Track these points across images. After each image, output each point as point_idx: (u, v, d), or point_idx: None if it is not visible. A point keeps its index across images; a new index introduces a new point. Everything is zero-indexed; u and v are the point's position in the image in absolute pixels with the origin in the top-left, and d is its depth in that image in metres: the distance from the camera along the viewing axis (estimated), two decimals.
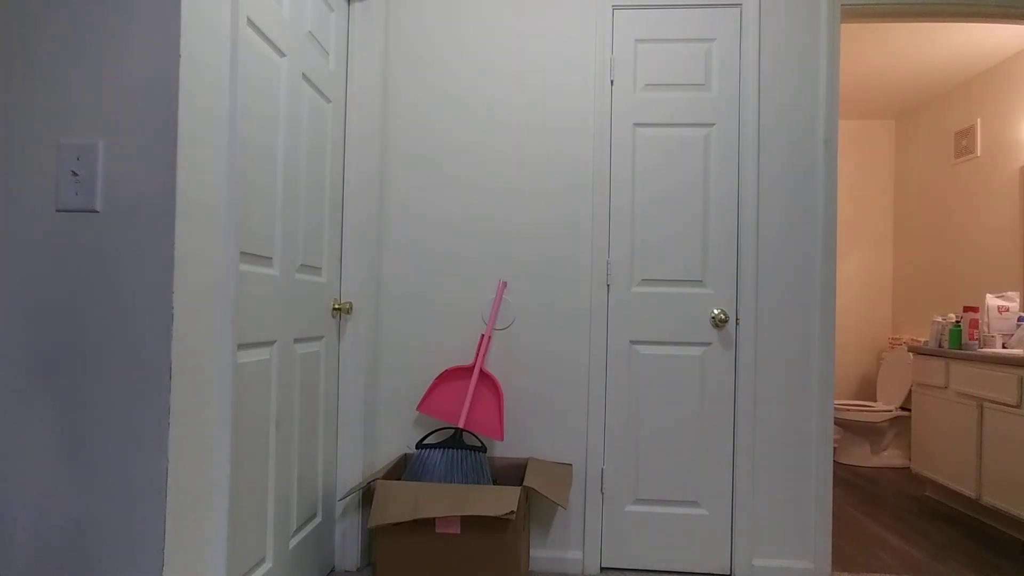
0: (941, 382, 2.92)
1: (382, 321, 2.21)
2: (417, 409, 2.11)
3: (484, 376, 2.11)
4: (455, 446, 1.98)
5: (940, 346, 3.00)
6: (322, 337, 1.94)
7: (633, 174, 2.18)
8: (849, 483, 3.43)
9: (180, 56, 1.08)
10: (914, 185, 4.05)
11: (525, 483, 1.80)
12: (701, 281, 2.15)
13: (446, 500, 1.73)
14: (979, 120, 3.46)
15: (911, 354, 3.67)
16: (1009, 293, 2.85)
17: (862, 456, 3.84)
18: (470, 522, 1.76)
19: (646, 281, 2.17)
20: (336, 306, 2.04)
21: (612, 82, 2.18)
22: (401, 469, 2.10)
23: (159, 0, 1.08)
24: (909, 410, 3.79)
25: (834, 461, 3.85)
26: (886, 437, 3.82)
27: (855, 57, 3.36)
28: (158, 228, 1.07)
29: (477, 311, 2.20)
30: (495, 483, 2.13)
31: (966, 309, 2.87)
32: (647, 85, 2.18)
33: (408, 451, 2.20)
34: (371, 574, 2.07)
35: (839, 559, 2.31)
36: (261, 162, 1.51)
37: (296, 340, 1.74)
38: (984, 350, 2.75)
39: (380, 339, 2.21)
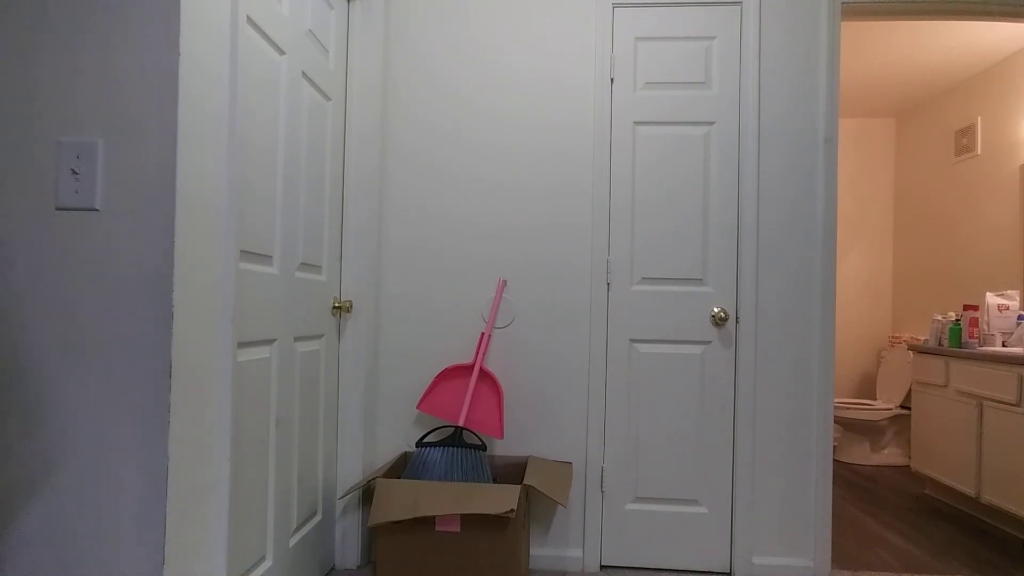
0: (941, 380, 2.92)
1: (382, 319, 2.21)
2: (417, 407, 2.11)
3: (484, 374, 2.11)
4: (455, 444, 1.98)
5: (940, 344, 3.00)
6: (322, 336, 1.94)
7: (633, 172, 2.18)
8: (849, 481, 3.43)
9: (180, 54, 1.08)
10: (914, 183, 4.05)
11: (525, 481, 1.80)
12: (701, 279, 2.15)
13: (446, 498, 1.73)
14: (979, 118, 3.46)
15: (911, 352, 3.67)
16: (1009, 292, 2.85)
17: (862, 454, 3.84)
18: (470, 520, 1.76)
19: (646, 279, 2.17)
20: (336, 305, 2.04)
21: (612, 80, 2.18)
22: (401, 467, 2.10)
23: None
24: (909, 408, 3.80)
25: (834, 459, 3.85)
26: (886, 435, 3.82)
27: (855, 55, 3.35)
28: (158, 226, 1.07)
29: (477, 310, 2.20)
30: (495, 481, 2.13)
31: (966, 307, 2.87)
32: (647, 83, 2.17)
33: (408, 449, 2.20)
34: (371, 572, 2.07)
35: (839, 557, 2.31)
36: (261, 161, 1.51)
37: (296, 339, 1.74)
38: (984, 348, 2.75)
39: (380, 337, 2.21)
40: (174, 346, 1.07)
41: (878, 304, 4.27)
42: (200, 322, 1.15)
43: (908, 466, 3.78)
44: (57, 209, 1.07)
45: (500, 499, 1.72)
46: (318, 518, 1.94)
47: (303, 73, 1.75)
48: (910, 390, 3.58)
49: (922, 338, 3.83)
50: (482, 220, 2.20)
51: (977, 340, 2.81)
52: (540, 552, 2.15)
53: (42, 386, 1.07)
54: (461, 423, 2.00)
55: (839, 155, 4.28)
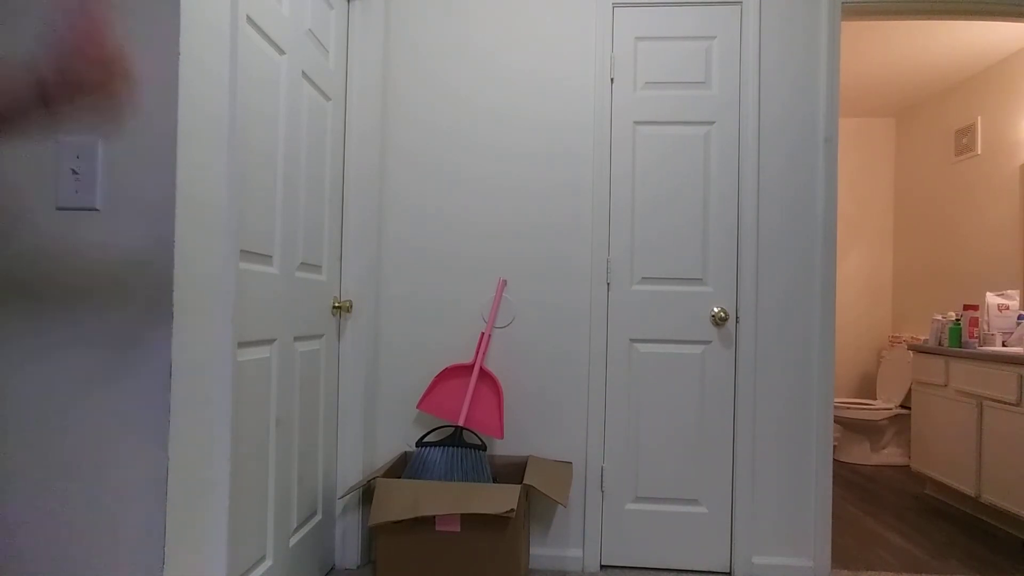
0: (941, 380, 2.93)
1: (382, 319, 2.21)
2: (417, 407, 2.11)
3: (484, 374, 2.11)
4: (455, 444, 1.99)
5: (940, 344, 3.00)
6: (322, 335, 1.94)
7: (633, 172, 2.18)
8: (849, 481, 3.43)
9: (179, 54, 1.08)
10: (914, 183, 4.05)
11: (525, 481, 1.80)
12: (701, 279, 2.15)
13: (446, 498, 1.74)
14: (980, 118, 3.46)
15: (911, 352, 3.67)
16: (1009, 291, 2.85)
17: (862, 454, 3.84)
18: (470, 520, 1.76)
19: (646, 279, 2.17)
20: (336, 304, 2.04)
21: (612, 80, 2.18)
22: (401, 467, 2.10)
23: None
24: (909, 408, 3.80)
25: (834, 459, 3.85)
26: (886, 435, 3.82)
27: (855, 55, 3.35)
28: (158, 226, 1.07)
29: (477, 309, 2.20)
30: (495, 481, 2.13)
31: (966, 307, 2.87)
32: (647, 83, 2.17)
33: (408, 449, 2.20)
34: (371, 572, 2.07)
35: (839, 557, 2.31)
36: (261, 160, 1.51)
37: (296, 338, 1.74)
38: (984, 348, 2.75)
39: (380, 337, 2.21)
40: (174, 346, 1.07)
41: (878, 304, 4.27)
42: (200, 321, 1.15)
43: (908, 466, 3.78)
44: (57, 209, 1.07)
45: (500, 499, 1.72)
46: (318, 518, 1.94)
47: (303, 73, 1.75)
48: (910, 390, 3.58)
49: (922, 338, 3.83)
50: (482, 220, 2.21)
51: (977, 340, 2.81)
52: (540, 552, 2.15)
53: (42, 385, 1.07)
54: (461, 423, 2.00)
55: (839, 155, 4.28)
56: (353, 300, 2.09)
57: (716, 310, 2.12)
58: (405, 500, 1.74)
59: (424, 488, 1.76)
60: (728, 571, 2.13)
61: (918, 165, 4.01)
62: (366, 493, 2.14)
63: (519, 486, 1.75)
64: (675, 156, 2.17)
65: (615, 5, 2.17)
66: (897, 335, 4.09)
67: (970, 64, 3.41)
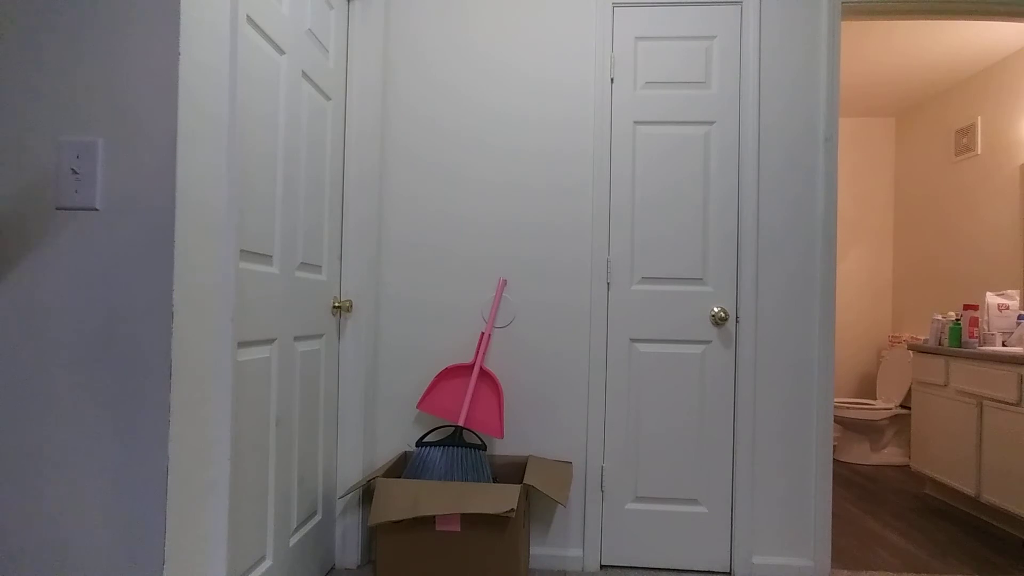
0: (941, 380, 2.93)
1: (382, 319, 2.21)
2: (417, 407, 2.11)
3: (484, 374, 2.11)
4: (455, 444, 1.99)
5: (940, 344, 3.00)
6: (322, 335, 1.94)
7: (633, 172, 2.18)
8: (849, 481, 3.43)
9: (179, 54, 1.08)
10: (914, 183, 4.05)
11: (525, 481, 1.80)
12: (701, 279, 2.15)
13: (446, 498, 1.74)
14: (980, 118, 3.46)
15: (911, 352, 3.67)
16: (1009, 291, 2.85)
17: (862, 454, 3.84)
18: (470, 520, 1.76)
19: (646, 279, 2.17)
20: (336, 304, 2.04)
21: (612, 80, 2.18)
22: (401, 467, 2.10)
23: None
24: (909, 408, 3.80)
25: (834, 459, 3.85)
26: (886, 435, 3.82)
27: (856, 55, 3.35)
28: (158, 226, 1.07)
29: (477, 309, 2.20)
30: (495, 481, 2.13)
31: (966, 307, 2.87)
32: (647, 83, 2.17)
33: (408, 449, 2.20)
34: (371, 572, 2.07)
35: (839, 557, 2.31)
36: (261, 160, 1.51)
37: (296, 338, 1.74)
38: (984, 348, 2.75)
39: (380, 337, 2.21)
40: (174, 346, 1.07)
41: (878, 304, 4.27)
42: (200, 321, 1.15)
43: (908, 466, 3.79)
44: (57, 209, 1.07)
45: (500, 499, 1.72)
46: (318, 518, 1.94)
47: (303, 73, 1.75)
48: (910, 390, 3.58)
49: (922, 338, 3.83)
50: (482, 219, 2.21)
51: (977, 340, 2.81)
52: (540, 551, 2.15)
53: (41, 385, 1.07)
54: (461, 423, 2.00)
55: (839, 155, 4.28)
56: (353, 300, 2.09)
57: (716, 310, 2.12)
58: (405, 500, 1.74)
59: (424, 488, 1.76)
60: (728, 571, 2.13)
61: (918, 165, 4.01)
62: (366, 493, 2.14)
63: (519, 486, 1.75)
64: (675, 156, 2.17)
65: (615, 5, 2.17)
66: (897, 335, 4.09)
67: (970, 64, 3.41)
